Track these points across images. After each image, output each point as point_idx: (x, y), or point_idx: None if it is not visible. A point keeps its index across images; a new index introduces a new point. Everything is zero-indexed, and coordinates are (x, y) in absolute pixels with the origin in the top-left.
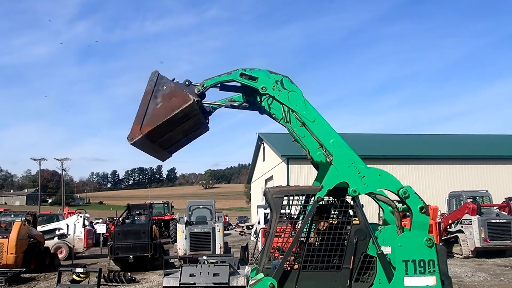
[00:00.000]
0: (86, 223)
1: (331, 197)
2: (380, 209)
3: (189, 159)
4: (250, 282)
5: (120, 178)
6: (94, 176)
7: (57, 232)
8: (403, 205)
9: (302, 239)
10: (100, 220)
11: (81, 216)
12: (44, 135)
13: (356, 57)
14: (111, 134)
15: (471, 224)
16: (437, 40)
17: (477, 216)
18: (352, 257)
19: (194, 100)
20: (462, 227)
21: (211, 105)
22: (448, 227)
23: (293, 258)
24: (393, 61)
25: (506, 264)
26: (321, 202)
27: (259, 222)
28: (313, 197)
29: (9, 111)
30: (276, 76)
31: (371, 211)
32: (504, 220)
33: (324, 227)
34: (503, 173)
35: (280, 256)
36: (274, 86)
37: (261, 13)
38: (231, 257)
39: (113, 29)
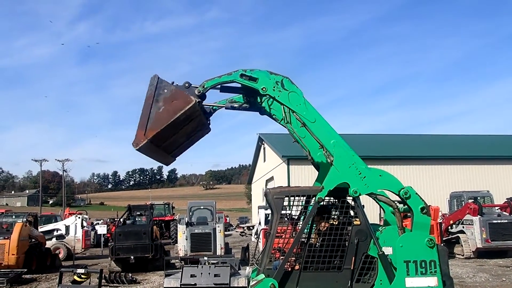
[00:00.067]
0: (85, 224)
1: (332, 198)
2: (381, 209)
3: (189, 160)
4: (251, 283)
5: (121, 179)
6: (95, 177)
7: (55, 233)
8: (404, 205)
9: (303, 239)
10: (101, 221)
11: (79, 217)
12: (45, 136)
13: (356, 58)
14: (112, 135)
15: (473, 225)
16: (437, 40)
17: (479, 216)
18: (353, 257)
19: (195, 101)
20: (463, 227)
21: (212, 106)
22: (449, 227)
23: (294, 258)
24: (393, 62)
25: (508, 264)
26: (322, 203)
27: (259, 223)
28: (314, 198)
29: (10, 113)
30: (277, 77)
31: (372, 212)
32: (506, 221)
33: (325, 228)
34: (504, 173)
35: (281, 257)
36: (274, 87)
37: (261, 14)
38: (232, 257)
39: (113, 30)
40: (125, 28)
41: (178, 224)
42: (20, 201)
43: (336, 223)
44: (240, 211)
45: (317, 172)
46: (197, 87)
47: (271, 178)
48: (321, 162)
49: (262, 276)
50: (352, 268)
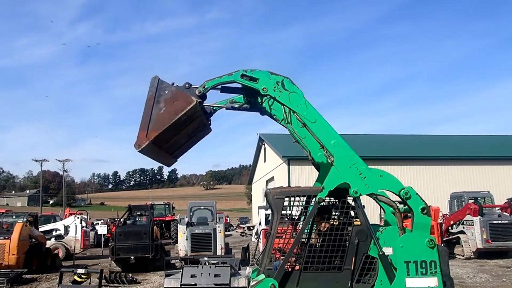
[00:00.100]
0: (83, 224)
1: (332, 198)
2: (382, 210)
3: (190, 160)
4: (251, 283)
5: (121, 179)
6: (96, 177)
7: (54, 233)
8: (404, 206)
9: (303, 240)
10: (101, 221)
11: (78, 217)
12: (45, 136)
13: (356, 58)
14: (112, 135)
15: (473, 225)
16: (437, 41)
17: (479, 217)
18: (354, 258)
19: (196, 101)
20: (463, 228)
21: (212, 107)
22: (449, 228)
23: (294, 259)
24: (393, 62)
25: (508, 265)
26: (322, 203)
27: (260, 223)
28: (314, 198)
29: (10, 113)
30: (277, 77)
31: (373, 212)
32: (506, 221)
33: (325, 228)
34: (505, 174)
35: (281, 257)
36: (275, 87)
37: (262, 15)
38: (232, 258)
39: (114, 30)
40: (125, 29)
41: (178, 224)
42: (20, 201)
43: (337, 223)
44: (241, 211)
45: (318, 173)
46: (197, 88)
47: (272, 179)
48: (321, 163)
49: (262, 276)
50: (352, 268)
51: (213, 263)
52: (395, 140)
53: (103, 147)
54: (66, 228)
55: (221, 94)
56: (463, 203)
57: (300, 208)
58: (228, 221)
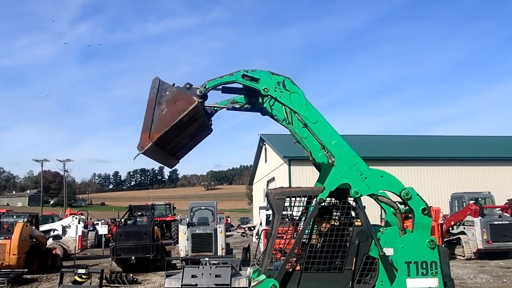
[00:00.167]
0: (82, 224)
1: (333, 199)
2: (382, 210)
3: (191, 161)
4: (252, 284)
5: (122, 179)
6: (96, 177)
7: (51, 233)
8: (405, 206)
9: (304, 240)
10: (102, 221)
11: (75, 218)
12: (46, 136)
13: (357, 59)
14: (112, 135)
15: (474, 226)
16: (437, 42)
17: (480, 217)
18: (354, 258)
19: (198, 101)
20: (464, 228)
21: (213, 107)
22: (450, 228)
23: (295, 259)
24: (393, 62)
25: (509, 265)
26: (323, 204)
27: (261, 224)
28: (315, 199)
29: (11, 113)
30: (278, 78)
31: (373, 213)
32: (507, 222)
33: (326, 229)
34: (505, 174)
35: (282, 258)
36: (276, 88)
37: (262, 15)
38: (233, 258)
39: (114, 31)
40: (126, 29)
41: (179, 225)
42: (21, 201)
43: (337, 224)
44: (241, 212)
45: (319, 173)
46: (198, 88)
47: (273, 179)
48: (322, 163)
49: (263, 276)
50: (353, 269)
51: (213, 264)
52: (395, 140)
53: (103, 147)
54: (64, 229)
55: (221, 95)
56: (464, 203)
57: (301, 208)
58: (229, 221)
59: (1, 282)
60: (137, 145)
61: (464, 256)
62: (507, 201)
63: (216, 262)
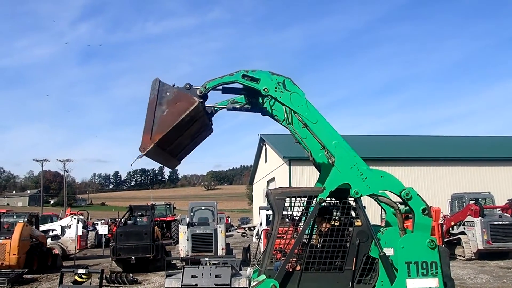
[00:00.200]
0: (81, 224)
1: (333, 199)
2: (382, 210)
3: (191, 161)
4: (252, 284)
5: (122, 179)
6: (96, 177)
7: (50, 233)
8: (405, 206)
9: (304, 240)
10: (102, 221)
11: (74, 218)
12: (46, 136)
13: (357, 59)
14: (112, 135)
15: (474, 226)
16: (438, 42)
17: (480, 218)
18: (354, 258)
19: (198, 101)
20: (464, 229)
21: (213, 107)
22: (450, 229)
23: (295, 259)
24: (394, 63)
25: (509, 266)
26: (323, 204)
27: (261, 224)
28: (315, 199)
29: (11, 113)
30: (279, 78)
31: (373, 213)
32: (507, 222)
33: (326, 229)
34: (505, 174)
35: (282, 258)
36: (276, 88)
37: (262, 15)
38: (233, 258)
39: (114, 31)
40: (126, 29)
41: (179, 225)
42: (21, 201)
43: (338, 224)
44: (242, 212)
45: (319, 173)
46: (198, 88)
47: (273, 179)
48: (322, 163)
49: (263, 276)
50: (353, 269)
51: (214, 264)
52: (396, 140)
53: (103, 147)
54: (63, 229)
55: (221, 95)
56: (464, 204)
57: (301, 208)
58: (229, 221)
59: (1, 282)
60: (139, 147)
61: (464, 257)
62: (507, 201)
63: (216, 262)
